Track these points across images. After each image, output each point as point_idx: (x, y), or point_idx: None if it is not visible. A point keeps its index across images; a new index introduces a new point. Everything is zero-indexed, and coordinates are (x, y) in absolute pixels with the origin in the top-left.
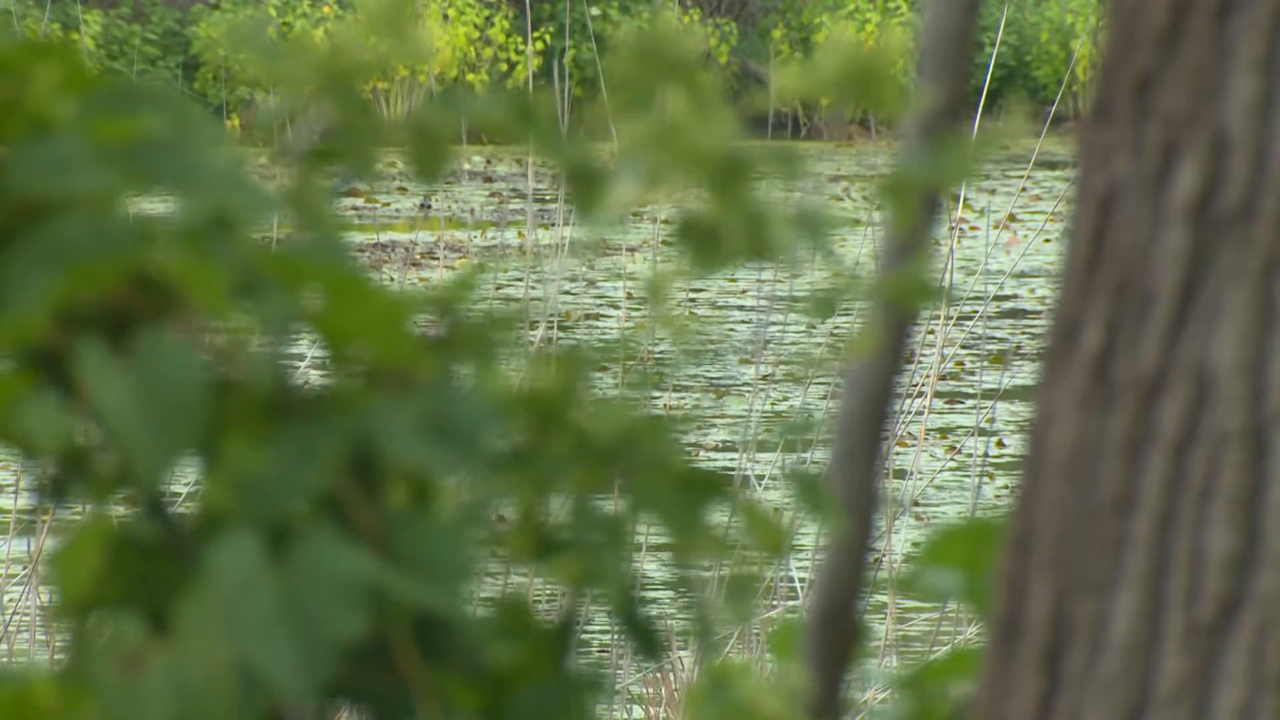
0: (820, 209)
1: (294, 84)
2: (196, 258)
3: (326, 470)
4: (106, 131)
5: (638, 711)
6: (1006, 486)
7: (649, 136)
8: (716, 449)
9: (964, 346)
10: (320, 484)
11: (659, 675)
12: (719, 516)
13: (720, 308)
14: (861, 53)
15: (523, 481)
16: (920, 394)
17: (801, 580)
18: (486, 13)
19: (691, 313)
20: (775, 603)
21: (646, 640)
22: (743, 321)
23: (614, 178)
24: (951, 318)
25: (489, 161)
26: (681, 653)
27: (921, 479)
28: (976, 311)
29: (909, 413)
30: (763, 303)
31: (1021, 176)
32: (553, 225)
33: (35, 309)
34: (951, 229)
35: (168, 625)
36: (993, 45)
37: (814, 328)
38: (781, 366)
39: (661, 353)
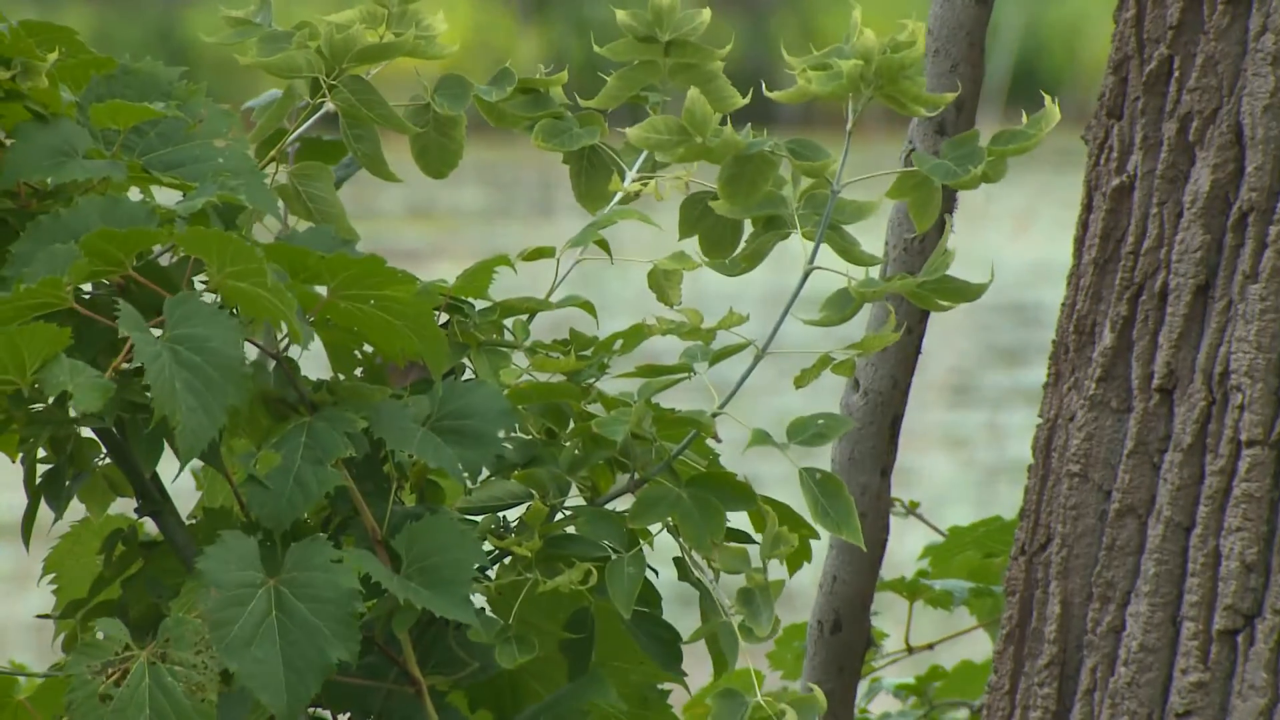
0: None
1: (298, 72)
2: (213, 231)
3: (336, 473)
4: (113, 119)
5: None
6: (1017, 490)
7: (662, 125)
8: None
9: (973, 345)
10: (330, 487)
11: None
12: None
13: (726, 306)
14: (884, 50)
15: (535, 481)
16: (930, 395)
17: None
18: (486, 12)
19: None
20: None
21: (662, 646)
22: (748, 318)
23: (621, 165)
24: (962, 317)
25: (491, 154)
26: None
27: (930, 482)
28: (987, 310)
29: (918, 414)
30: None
31: (1032, 173)
32: (558, 221)
33: (58, 277)
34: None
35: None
36: (1003, 41)
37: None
38: (785, 365)
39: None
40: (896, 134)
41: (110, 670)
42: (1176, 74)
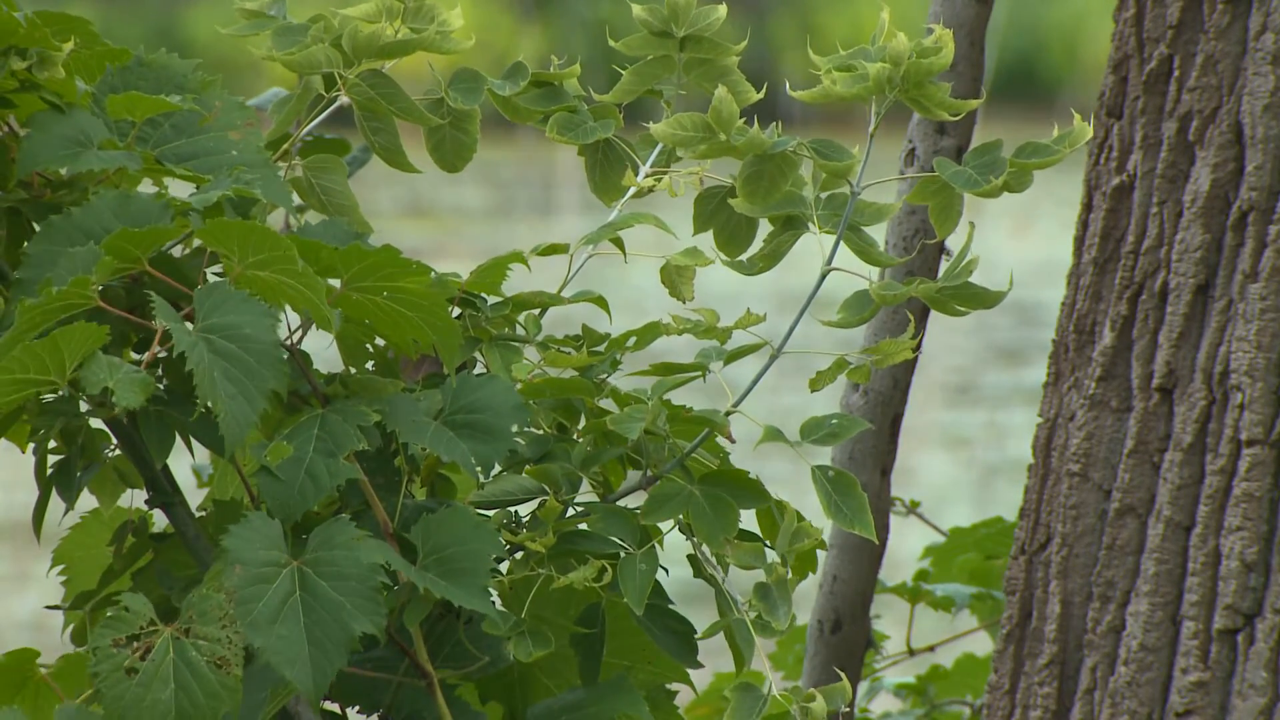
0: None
1: (317, 67)
2: (235, 221)
3: (349, 465)
4: (129, 111)
5: None
6: (1017, 490)
7: (687, 122)
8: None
9: (973, 345)
10: (342, 479)
11: None
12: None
13: (729, 303)
14: (911, 55)
15: (547, 476)
16: (930, 395)
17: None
18: (486, 10)
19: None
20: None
21: (677, 639)
22: (765, 318)
23: (636, 159)
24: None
25: (491, 154)
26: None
27: (930, 482)
28: (987, 309)
29: (918, 414)
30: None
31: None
32: (558, 221)
33: (86, 277)
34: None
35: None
36: (1000, 42)
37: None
38: (783, 364)
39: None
40: (896, 130)
41: (135, 645)
42: (1176, 73)
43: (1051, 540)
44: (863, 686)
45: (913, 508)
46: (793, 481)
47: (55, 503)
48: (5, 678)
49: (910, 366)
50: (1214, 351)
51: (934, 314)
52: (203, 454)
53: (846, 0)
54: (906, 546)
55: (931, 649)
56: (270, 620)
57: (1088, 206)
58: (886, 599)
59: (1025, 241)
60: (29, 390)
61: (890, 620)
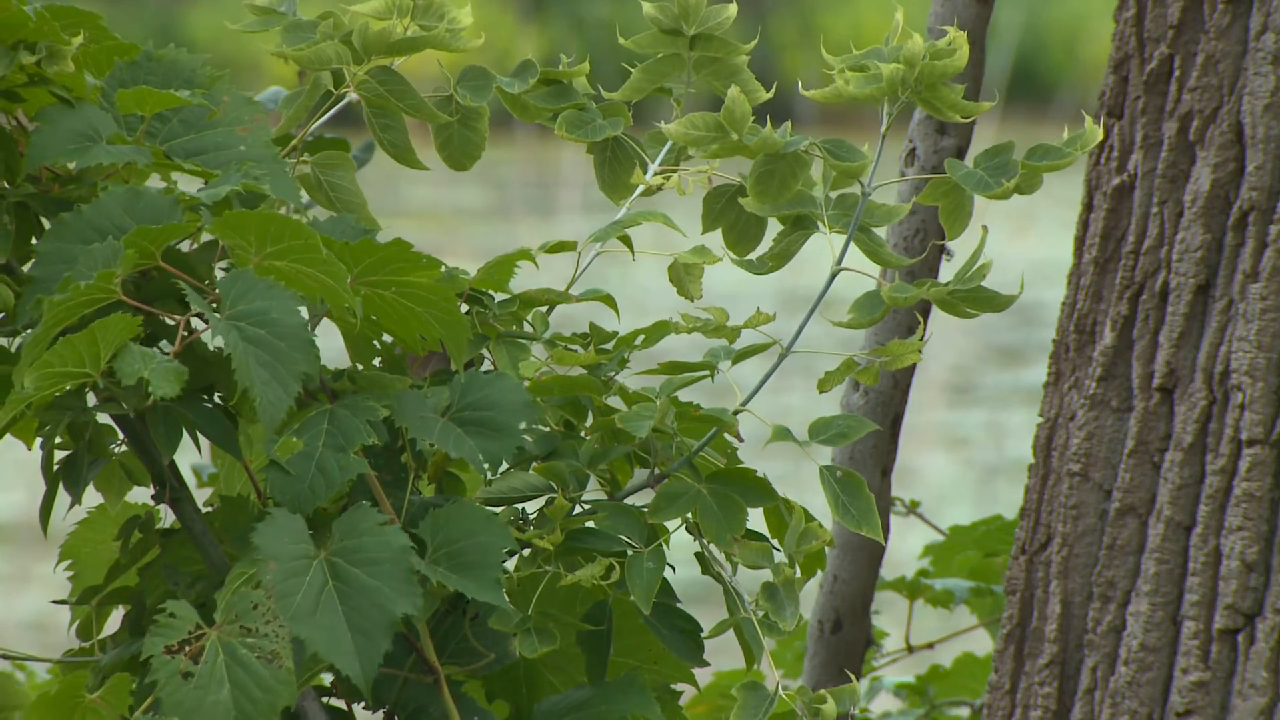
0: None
1: (327, 64)
2: (254, 212)
3: (359, 460)
4: (139, 105)
5: None
6: (1017, 489)
7: (700, 122)
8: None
9: (973, 345)
10: (352, 474)
11: None
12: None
13: (733, 302)
14: (925, 56)
15: (554, 474)
16: (930, 395)
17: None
18: (486, 10)
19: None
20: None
21: (684, 638)
22: (774, 317)
23: (644, 157)
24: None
25: (491, 154)
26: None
27: (930, 481)
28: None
29: (918, 414)
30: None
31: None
32: (558, 222)
33: (111, 270)
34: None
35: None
36: (1002, 40)
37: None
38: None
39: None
40: (895, 130)
41: (186, 649)
42: (1177, 73)
43: (1052, 540)
44: (862, 685)
45: (913, 507)
46: (792, 480)
47: (59, 499)
48: (58, 704)
49: (910, 366)
50: (1214, 351)
51: (934, 314)
52: (204, 452)
53: (847, 1)
54: (906, 546)
55: (931, 646)
56: (310, 611)
57: (1088, 206)
58: (886, 597)
59: (1025, 241)
60: (64, 383)
61: (890, 619)
